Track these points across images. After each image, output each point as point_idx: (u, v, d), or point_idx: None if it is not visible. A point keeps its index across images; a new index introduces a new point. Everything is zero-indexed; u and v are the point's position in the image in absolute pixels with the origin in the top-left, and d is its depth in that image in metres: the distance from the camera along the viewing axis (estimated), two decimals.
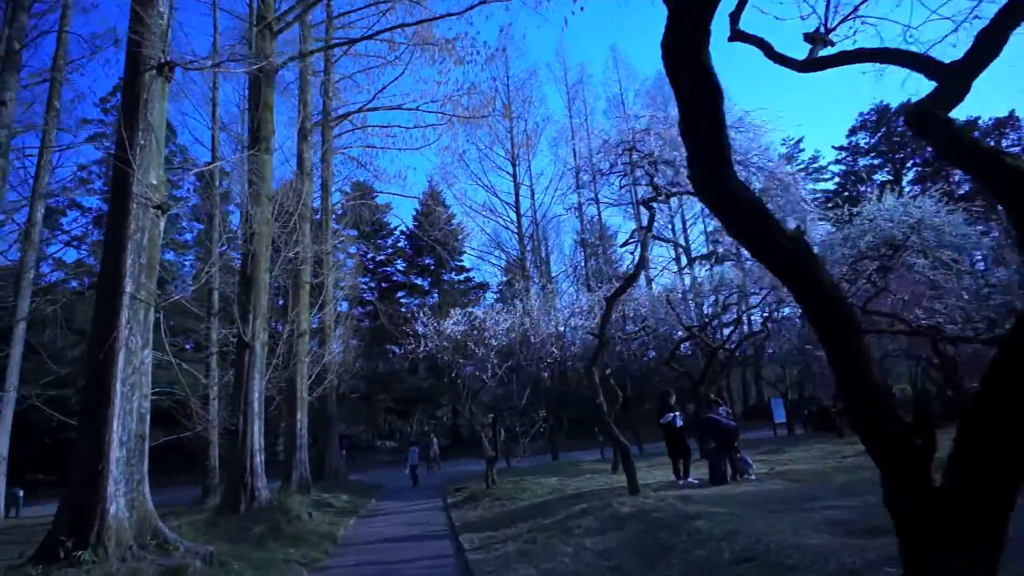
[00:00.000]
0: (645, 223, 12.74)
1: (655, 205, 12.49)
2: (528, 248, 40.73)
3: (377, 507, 16.43)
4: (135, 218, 7.01)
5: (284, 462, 16.96)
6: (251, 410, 11.69)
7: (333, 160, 25.86)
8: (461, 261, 46.47)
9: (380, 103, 23.95)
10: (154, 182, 7.43)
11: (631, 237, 18.78)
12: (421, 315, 17.28)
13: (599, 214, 46.04)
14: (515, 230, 40.13)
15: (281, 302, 21.47)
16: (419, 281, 46.75)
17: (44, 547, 6.19)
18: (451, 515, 12.16)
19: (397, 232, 46.02)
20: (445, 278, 45.85)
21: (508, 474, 17.34)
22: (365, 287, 47.15)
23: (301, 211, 18.31)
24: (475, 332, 15.09)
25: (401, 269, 46.38)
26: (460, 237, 45.22)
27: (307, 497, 16.06)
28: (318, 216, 22.44)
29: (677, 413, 11.80)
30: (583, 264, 43.80)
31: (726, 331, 19.85)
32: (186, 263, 39.92)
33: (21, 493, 22.00)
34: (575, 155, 44.37)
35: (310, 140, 19.38)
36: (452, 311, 17.62)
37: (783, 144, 44.00)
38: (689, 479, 11.27)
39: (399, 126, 27.36)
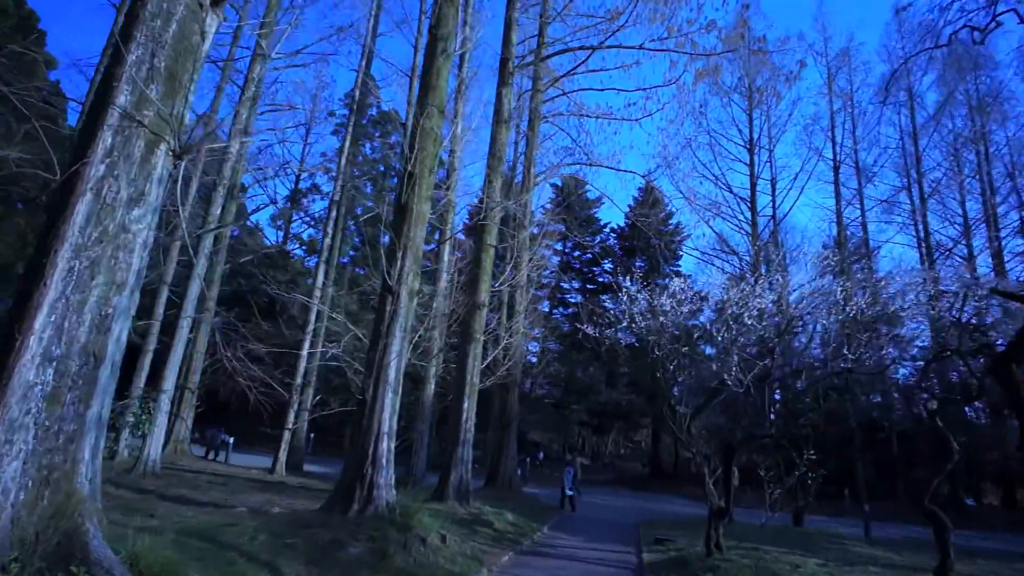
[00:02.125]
0: None
1: None
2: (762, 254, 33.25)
3: (547, 539, 12.39)
4: None
5: (444, 458, 13.96)
6: (384, 377, 8.63)
7: (540, 130, 23.03)
8: (678, 266, 40.69)
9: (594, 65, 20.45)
10: None
11: None
12: (627, 284, 12.93)
13: (863, 219, 35.98)
14: (748, 231, 33.05)
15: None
16: (628, 284, 42.12)
17: None
18: None
19: (607, 230, 42.15)
20: (659, 284, 40.44)
21: (733, 535, 11.83)
22: (569, 288, 44.34)
23: (492, 163, 15.40)
24: (720, 308, 10.22)
25: (608, 270, 42.33)
26: (678, 238, 39.57)
27: (462, 507, 12.74)
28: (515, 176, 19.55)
29: None
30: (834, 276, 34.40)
31: None
32: None
33: (231, 440, 23.08)
34: (834, 145, 35.52)
35: (511, 84, 16.48)
36: (672, 279, 12.90)
37: None
38: None
39: (617, 88, 23.47)
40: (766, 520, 10.12)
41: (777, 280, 10.04)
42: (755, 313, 9.03)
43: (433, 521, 8.71)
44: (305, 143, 30.33)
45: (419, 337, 16.91)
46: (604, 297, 43.03)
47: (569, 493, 17.53)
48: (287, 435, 17.32)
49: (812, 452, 8.93)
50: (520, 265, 16.13)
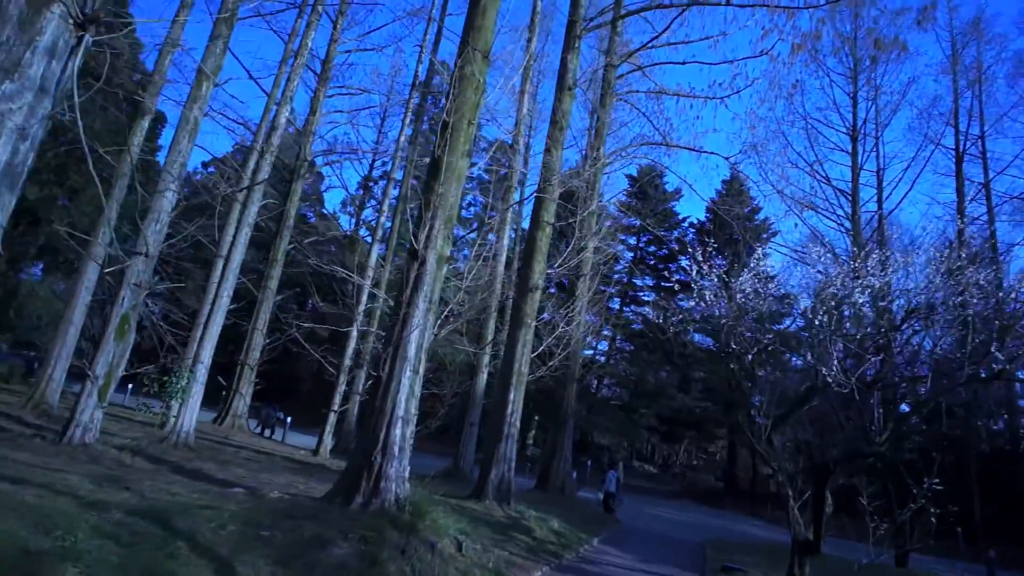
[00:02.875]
0: None
1: None
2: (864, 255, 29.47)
3: (594, 554, 10.84)
4: None
5: (484, 453, 12.73)
6: (403, 353, 7.48)
7: (612, 108, 21.30)
8: (766, 267, 37.22)
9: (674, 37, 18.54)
10: None
11: None
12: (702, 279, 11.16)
13: (991, 216, 31.28)
14: (847, 227, 29.49)
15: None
16: (707, 284, 39.20)
17: None
18: None
19: (686, 224, 39.41)
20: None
21: (821, 572, 9.72)
22: (642, 286, 41.91)
23: (553, 134, 13.99)
24: (821, 289, 8.31)
25: (685, 266, 39.58)
26: (764, 234, 36.18)
27: (501, 509, 11.45)
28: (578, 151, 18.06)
29: None
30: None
31: None
32: None
33: (288, 419, 23.11)
34: (956, 131, 31.00)
35: (578, 48, 14.95)
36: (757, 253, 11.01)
37: None
38: None
39: (700, 62, 21.27)
40: (868, 561, 8.07)
41: (896, 259, 7.91)
42: (864, 296, 7.03)
43: (450, 523, 7.46)
44: (380, 131, 30.18)
45: (468, 321, 15.82)
46: (680, 296, 40.42)
47: (612, 490, 16.66)
48: (332, 417, 16.79)
49: (936, 482, 6.84)
50: (583, 249, 14.58)
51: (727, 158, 20.39)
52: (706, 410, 33.05)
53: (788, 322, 12.64)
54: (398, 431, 7.26)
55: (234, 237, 12.41)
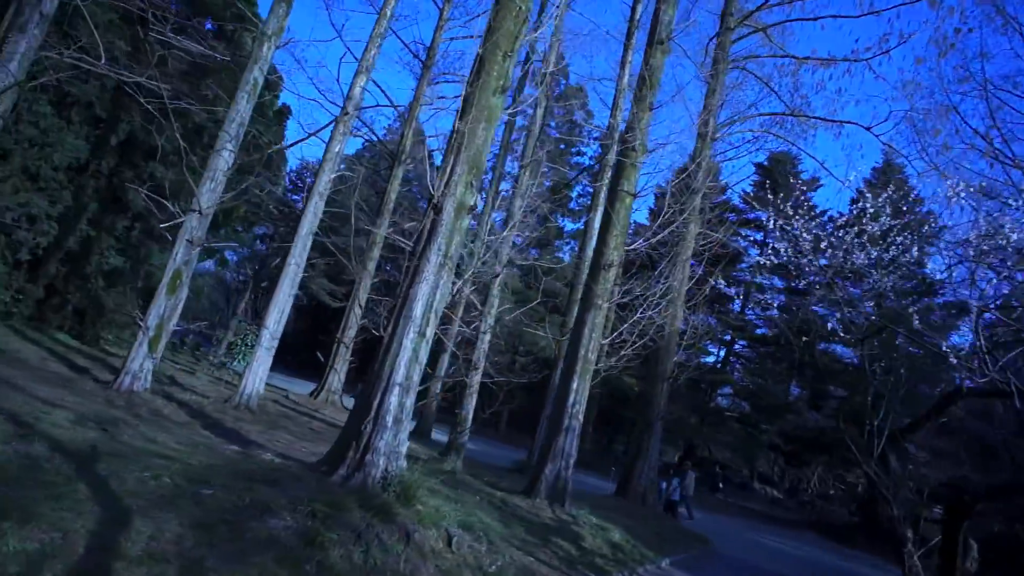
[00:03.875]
0: None
1: None
2: None
3: None
4: None
5: (541, 446, 11.45)
6: (408, 312, 6.52)
7: (726, 75, 18.83)
8: (932, 274, 31.39)
9: None
10: None
11: None
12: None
13: None
14: None
15: None
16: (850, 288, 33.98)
17: None
18: None
19: (824, 217, 34.44)
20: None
21: None
22: (769, 287, 37.46)
23: (639, 92, 12.39)
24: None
25: (822, 266, 34.66)
26: (925, 228, 30.37)
27: (552, 509, 10.11)
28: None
29: None
30: None
31: None
32: None
33: None
34: None
35: None
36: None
37: None
38: None
39: (835, 15, 18.10)
40: None
41: None
42: None
43: (447, 510, 6.35)
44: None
45: (552, 307, 14.56)
46: (812, 301, 35.51)
47: (675, 498, 15.34)
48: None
49: None
50: (670, 224, 12.72)
51: (868, 128, 16.96)
52: (840, 432, 28.42)
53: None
54: (393, 399, 6.31)
55: (303, 206, 12.42)
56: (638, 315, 11.82)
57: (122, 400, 8.42)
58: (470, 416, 12.09)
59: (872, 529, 26.76)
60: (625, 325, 11.80)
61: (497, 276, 12.64)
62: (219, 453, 6.47)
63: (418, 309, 6.59)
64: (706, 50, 20.03)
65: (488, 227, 13.75)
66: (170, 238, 9.82)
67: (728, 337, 33.57)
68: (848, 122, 18.06)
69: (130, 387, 8.95)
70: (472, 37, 29.88)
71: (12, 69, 8.30)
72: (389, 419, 6.25)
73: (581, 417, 11.10)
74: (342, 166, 15.13)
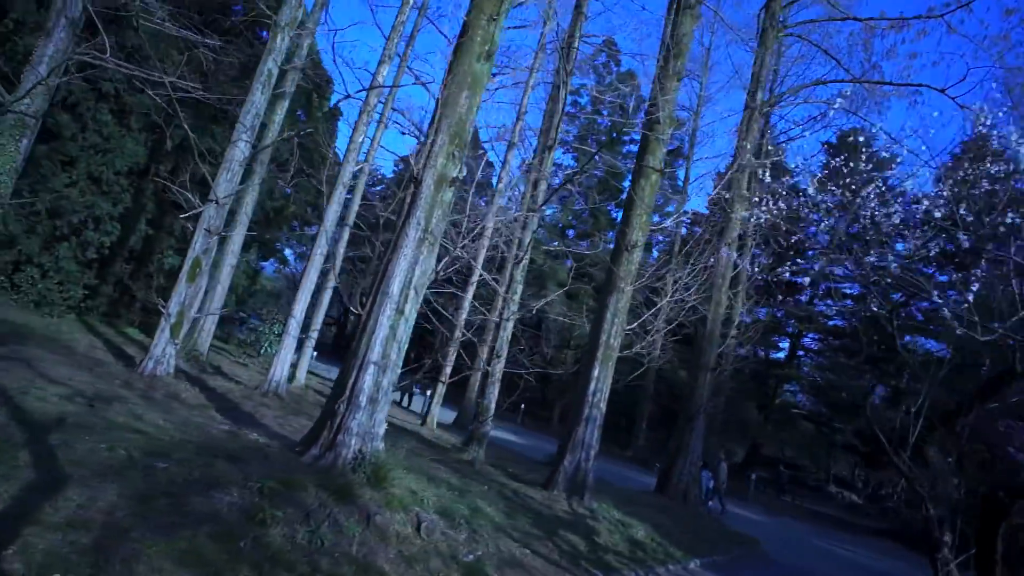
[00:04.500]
0: None
1: None
2: None
3: None
4: None
5: (562, 437, 10.96)
6: (385, 288, 6.29)
7: (777, 44, 17.47)
8: None
9: None
10: None
11: None
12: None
13: None
14: None
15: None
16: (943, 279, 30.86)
17: None
18: None
19: (902, 200, 31.42)
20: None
21: None
22: (842, 276, 34.67)
23: (666, 61, 11.68)
24: None
25: (905, 252, 31.63)
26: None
27: (570, 502, 9.63)
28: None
29: None
30: None
31: None
32: None
33: (424, 392, 23.65)
34: None
35: None
36: None
37: None
38: None
39: None
40: None
41: None
42: None
43: (427, 495, 6.06)
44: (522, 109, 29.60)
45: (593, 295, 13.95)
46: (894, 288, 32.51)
47: (707, 488, 14.85)
48: (441, 388, 16.44)
49: None
50: (717, 204, 11.84)
51: (943, 90, 15.08)
52: (923, 433, 25.82)
53: None
54: (368, 379, 6.09)
55: (328, 196, 12.57)
56: (667, 299, 11.06)
57: (141, 383, 8.76)
58: (492, 406, 11.79)
59: (962, 541, 24.14)
60: (651, 310, 11.08)
61: (520, 261, 12.24)
62: (206, 432, 6.51)
63: (395, 285, 6.35)
64: (758, 19, 18.70)
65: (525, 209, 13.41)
66: (191, 228, 10.14)
67: (792, 330, 31.40)
68: (919, 84, 16.16)
69: (153, 371, 9.30)
70: (516, 28, 29.55)
71: (41, 71, 8.82)
72: (363, 399, 6.04)
73: (603, 406, 10.51)
74: (372, 159, 15.21)
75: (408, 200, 6.59)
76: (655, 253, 32.37)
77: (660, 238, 32.43)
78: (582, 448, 10.22)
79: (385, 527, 5.24)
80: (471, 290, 16.37)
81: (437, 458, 10.59)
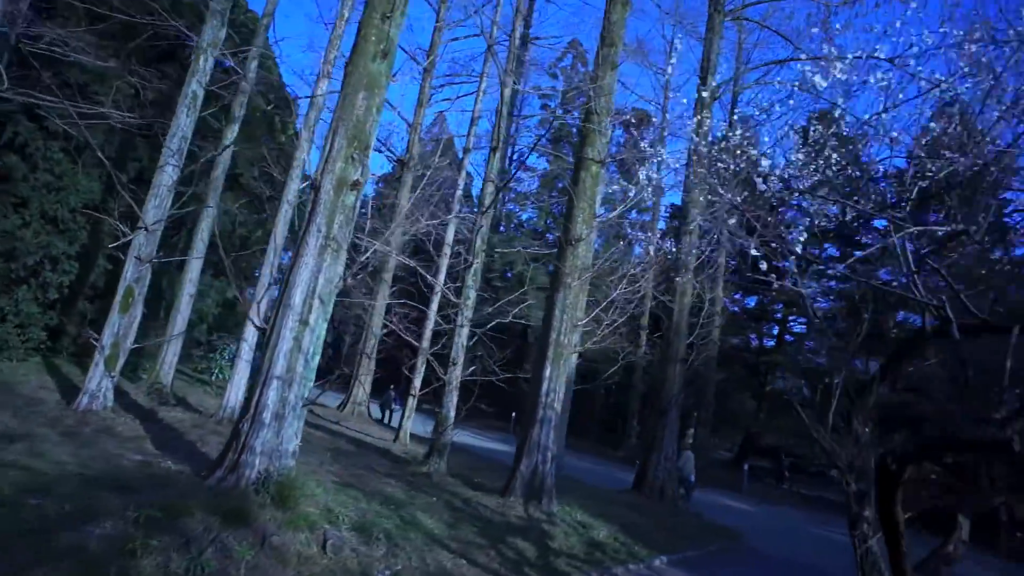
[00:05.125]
0: None
1: None
2: None
3: None
4: None
5: (518, 441, 10.70)
6: (287, 300, 6.08)
7: (722, 28, 17.40)
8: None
9: None
10: None
11: None
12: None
13: None
14: None
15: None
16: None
17: None
18: None
19: (879, 175, 31.35)
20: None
21: None
22: (825, 258, 34.47)
23: (601, 51, 11.56)
24: None
25: (882, 228, 31.49)
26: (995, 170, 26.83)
27: (527, 507, 9.36)
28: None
29: None
30: None
31: None
32: None
33: (399, 405, 23.29)
34: None
35: None
36: None
37: None
38: None
39: None
40: None
41: None
42: None
43: (342, 512, 5.80)
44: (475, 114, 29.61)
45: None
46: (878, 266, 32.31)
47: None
48: (412, 402, 16.16)
49: None
50: (648, 187, 11.66)
51: (892, 60, 14.92)
52: (918, 408, 25.51)
53: None
54: (272, 393, 5.86)
55: (275, 216, 12.40)
56: (617, 291, 10.85)
57: (72, 419, 8.52)
58: (452, 414, 11.52)
59: (977, 520, 23.69)
60: (600, 306, 10.87)
61: (470, 266, 12.04)
62: (113, 464, 6.26)
63: (298, 295, 6.13)
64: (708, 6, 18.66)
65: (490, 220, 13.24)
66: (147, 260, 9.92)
67: (779, 315, 31.14)
68: (872, 56, 16.05)
69: (88, 406, 9.06)
70: (473, 36, 29.57)
71: None
72: (267, 415, 5.81)
73: (558, 407, 10.26)
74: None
75: (309, 208, 6.40)
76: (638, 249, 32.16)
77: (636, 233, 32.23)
78: (539, 451, 9.96)
79: (284, 548, 4.99)
80: (436, 300, 16.17)
81: (392, 473, 10.31)
